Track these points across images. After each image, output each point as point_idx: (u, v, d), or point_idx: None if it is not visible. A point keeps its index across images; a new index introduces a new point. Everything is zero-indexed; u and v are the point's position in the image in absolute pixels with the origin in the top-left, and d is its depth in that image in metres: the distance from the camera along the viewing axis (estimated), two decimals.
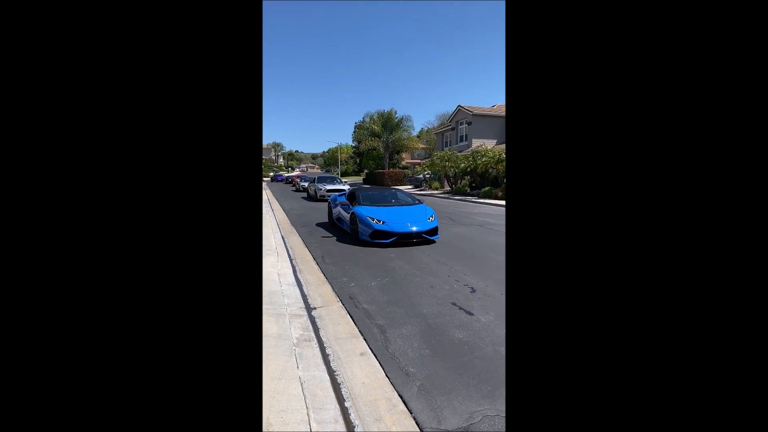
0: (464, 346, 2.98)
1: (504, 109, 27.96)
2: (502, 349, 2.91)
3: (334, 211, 8.98)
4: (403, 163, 45.28)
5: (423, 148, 47.06)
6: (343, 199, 8.66)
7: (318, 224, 9.66)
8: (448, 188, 23.08)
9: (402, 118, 36.00)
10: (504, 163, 17.33)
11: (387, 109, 37.53)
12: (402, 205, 7.98)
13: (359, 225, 7.01)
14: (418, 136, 45.42)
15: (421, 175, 28.37)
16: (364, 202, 7.77)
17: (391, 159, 40.07)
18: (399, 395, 2.34)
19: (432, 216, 7.30)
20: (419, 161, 39.60)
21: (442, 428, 2.05)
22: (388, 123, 35.85)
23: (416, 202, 8.22)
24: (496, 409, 2.20)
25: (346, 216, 7.89)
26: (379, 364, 2.71)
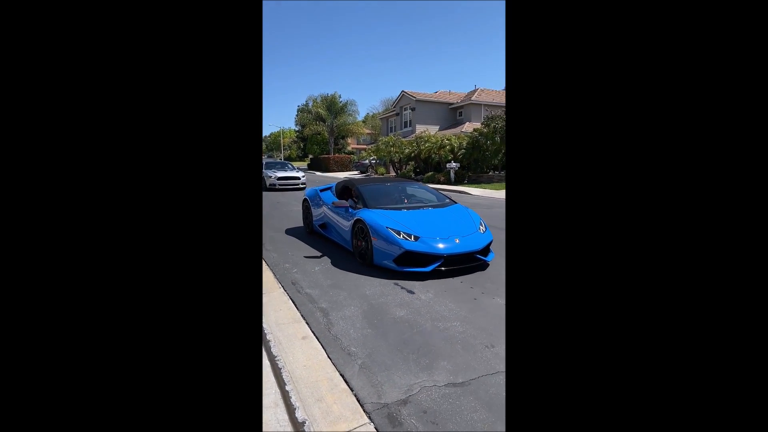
0: (405, 323, 3.08)
1: (445, 95, 28.65)
2: (441, 324, 3.05)
3: (317, 212, 6.01)
4: (349, 148, 44.74)
5: (369, 133, 46.83)
6: (330, 195, 5.85)
7: (288, 230, 6.77)
8: (393, 174, 23.31)
9: (346, 103, 35.45)
10: (445, 149, 17.89)
11: (330, 92, 36.81)
12: (430, 206, 5.12)
13: (375, 241, 4.32)
14: (363, 121, 45.14)
15: (367, 161, 28.34)
16: (372, 203, 4.96)
17: (336, 144, 39.44)
18: (341, 375, 2.37)
19: (482, 224, 4.71)
20: (365, 146, 39.41)
21: (382, 402, 2.12)
22: (333, 107, 35.13)
23: (447, 201, 5.38)
24: (433, 380, 2.31)
25: (345, 225, 5.08)
26: (321, 347, 2.72)
